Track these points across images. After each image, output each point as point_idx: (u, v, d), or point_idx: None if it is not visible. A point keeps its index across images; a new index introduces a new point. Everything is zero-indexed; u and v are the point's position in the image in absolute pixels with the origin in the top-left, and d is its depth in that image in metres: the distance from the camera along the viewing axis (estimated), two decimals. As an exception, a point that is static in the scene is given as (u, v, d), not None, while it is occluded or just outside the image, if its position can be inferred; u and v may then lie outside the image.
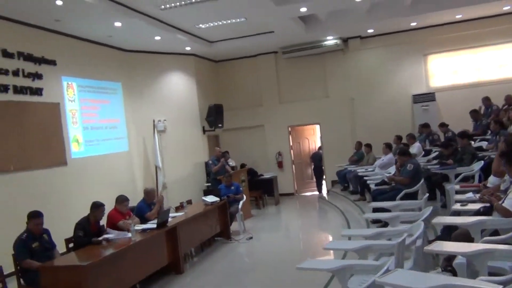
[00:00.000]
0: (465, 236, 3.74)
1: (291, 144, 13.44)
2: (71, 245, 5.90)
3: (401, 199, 6.69)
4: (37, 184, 7.82)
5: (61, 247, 5.87)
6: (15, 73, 7.67)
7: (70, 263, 4.94)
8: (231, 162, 12.52)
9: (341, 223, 8.65)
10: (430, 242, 4.05)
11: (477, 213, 4.21)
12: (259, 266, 6.95)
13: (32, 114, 7.93)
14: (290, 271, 4.29)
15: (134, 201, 7.66)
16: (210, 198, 8.26)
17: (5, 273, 4.97)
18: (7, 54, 7.54)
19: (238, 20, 9.76)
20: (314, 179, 13.49)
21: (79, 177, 8.89)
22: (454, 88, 11.89)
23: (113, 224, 6.23)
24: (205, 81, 12.75)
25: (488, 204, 4.09)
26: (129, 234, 5.78)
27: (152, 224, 6.40)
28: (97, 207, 5.98)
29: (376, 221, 6.89)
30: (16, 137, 7.55)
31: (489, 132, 8.80)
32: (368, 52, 12.58)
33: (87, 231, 5.85)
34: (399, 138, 10.83)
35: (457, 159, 7.30)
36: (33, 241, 5.12)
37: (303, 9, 9.34)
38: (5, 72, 7.48)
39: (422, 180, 7.02)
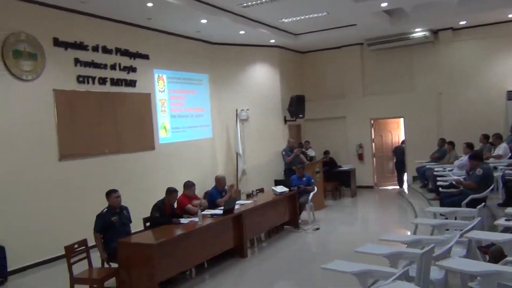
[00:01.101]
0: (500, 252, 3.72)
1: (373, 137, 13.32)
2: (148, 224, 6.67)
3: (468, 204, 6.52)
4: (127, 166, 8.83)
5: (140, 225, 6.69)
6: (113, 67, 8.67)
7: (143, 241, 5.66)
8: (311, 152, 12.82)
9: (409, 222, 8.54)
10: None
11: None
12: (320, 257, 7.20)
13: (126, 103, 8.92)
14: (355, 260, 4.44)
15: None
16: (280, 188, 8.65)
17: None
18: (106, 50, 8.55)
19: (320, 14, 9.91)
20: (395, 173, 13.26)
21: (166, 160, 9.80)
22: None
23: (182, 208, 6.88)
24: (289, 72, 13.06)
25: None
26: (197, 219, 6.40)
27: (219, 210, 6.98)
28: (170, 192, 6.66)
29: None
30: (112, 124, 8.58)
31: None
32: (461, 44, 11.94)
33: (162, 213, 6.58)
34: (485, 137, 10.28)
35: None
36: (113, 215, 5.90)
37: (384, 4, 9.19)
38: (104, 66, 8.49)
39: (492, 186, 6.74)
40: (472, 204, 6.47)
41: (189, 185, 7.18)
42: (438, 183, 8.31)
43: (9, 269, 6.57)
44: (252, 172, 11.85)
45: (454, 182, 7.33)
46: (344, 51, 13.30)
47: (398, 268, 3.90)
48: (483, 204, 5.75)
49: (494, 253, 3.76)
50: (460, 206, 6.60)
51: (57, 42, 7.65)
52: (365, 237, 8.09)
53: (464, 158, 9.31)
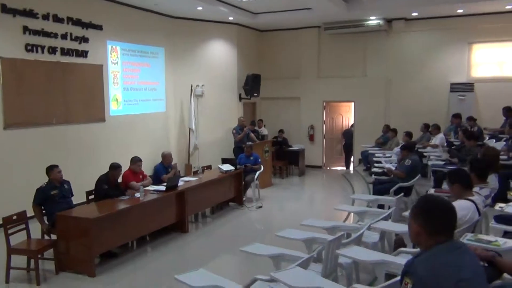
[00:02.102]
0: (402, 242, 4.15)
1: (324, 119, 13.76)
2: (91, 197, 6.83)
3: (396, 192, 7.02)
4: (75, 137, 8.85)
5: (82, 197, 6.85)
6: (64, 37, 8.55)
7: (81, 215, 5.83)
8: (264, 131, 13.13)
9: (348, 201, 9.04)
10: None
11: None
12: (257, 234, 7.63)
13: (76, 74, 8.85)
14: (279, 242, 4.78)
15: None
16: (226, 167, 8.94)
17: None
18: (57, 19, 8.42)
19: (278, -5, 10.04)
20: (343, 155, 13.81)
21: (116, 133, 9.85)
22: (495, 80, 11.53)
23: (126, 183, 7.06)
24: (246, 50, 13.19)
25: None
26: (139, 195, 6.61)
27: (163, 187, 7.20)
28: (115, 168, 6.79)
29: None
30: (60, 94, 8.54)
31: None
32: (412, 35, 12.40)
33: (110, 186, 6.74)
34: (426, 126, 10.89)
35: (461, 159, 7.43)
36: (52, 189, 6.02)
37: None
38: (55, 35, 8.37)
39: (418, 176, 7.26)
40: (400, 191, 6.98)
41: (135, 161, 7.33)
42: (373, 169, 8.81)
43: None
44: (204, 148, 12.07)
45: (385, 170, 7.83)
46: (302, 33, 13.52)
47: (312, 252, 4.28)
48: (402, 194, 6.22)
49: (397, 242, 4.20)
50: (388, 193, 7.10)
51: (4, 9, 7.49)
52: (304, 215, 8.49)
53: (402, 147, 9.88)
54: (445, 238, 2.04)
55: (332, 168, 13.93)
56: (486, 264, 2.48)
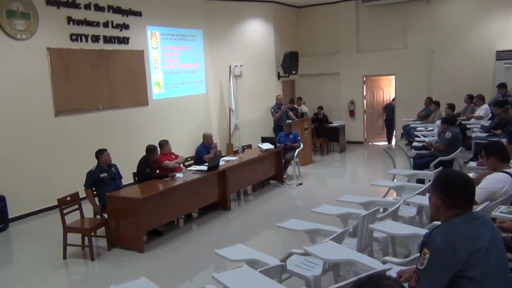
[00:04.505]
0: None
1: (364, 93, 13.58)
2: (137, 178, 7.18)
3: (436, 165, 6.94)
4: (121, 121, 9.26)
5: (131, 178, 7.23)
6: (105, 25, 8.89)
7: (129, 195, 6.17)
8: (303, 108, 13.14)
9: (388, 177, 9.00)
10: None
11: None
12: (296, 210, 7.76)
13: (119, 61, 9.20)
14: (318, 218, 5.00)
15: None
16: (265, 146, 9.08)
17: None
18: (98, 8, 8.74)
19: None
20: (385, 130, 13.63)
21: (159, 116, 10.19)
22: (545, 47, 10.98)
23: (160, 167, 7.31)
24: (283, 27, 13.13)
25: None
26: (182, 175, 6.89)
27: (205, 167, 7.45)
28: (152, 150, 7.07)
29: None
30: (105, 81, 8.93)
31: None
32: (454, 3, 11.92)
33: (150, 168, 7.07)
34: (470, 97, 10.57)
35: (506, 130, 7.21)
36: (102, 172, 6.39)
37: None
38: (97, 24, 8.71)
39: (460, 149, 7.12)
40: (441, 165, 6.90)
41: (162, 144, 7.55)
42: (414, 143, 8.69)
43: (10, 216, 7.19)
44: (245, 128, 12.26)
45: (425, 144, 7.72)
46: (339, 7, 13.30)
47: (348, 227, 4.39)
48: (440, 168, 6.15)
49: (433, 216, 4.21)
50: (429, 167, 7.03)
51: (49, 1, 7.87)
52: (345, 192, 8.55)
53: (445, 119, 9.66)
54: (463, 210, 2.10)
55: (373, 143, 13.80)
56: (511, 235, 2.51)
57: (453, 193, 2.11)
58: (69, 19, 8.22)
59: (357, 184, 9.84)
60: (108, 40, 8.95)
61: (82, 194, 6.25)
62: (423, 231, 3.73)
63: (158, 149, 7.28)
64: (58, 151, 8.05)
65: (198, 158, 8.11)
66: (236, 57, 12.13)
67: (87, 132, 8.53)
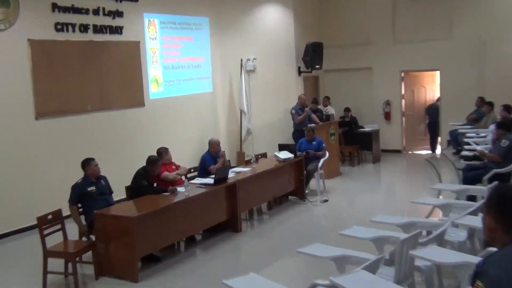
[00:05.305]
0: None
1: (403, 92, 13.48)
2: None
3: (491, 179, 6.82)
4: (112, 125, 9.34)
5: (121, 194, 7.24)
6: (96, 12, 9.02)
7: (121, 213, 6.18)
8: (330, 110, 13.07)
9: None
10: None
11: None
12: (320, 232, 7.69)
13: (111, 53, 9.31)
14: (346, 242, 4.99)
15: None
16: (283, 154, 9.04)
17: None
18: (87, -7, 8.87)
19: None
20: (428, 136, 13.51)
21: (157, 119, 10.26)
22: None
23: (158, 178, 7.31)
24: (305, 14, 13.11)
25: None
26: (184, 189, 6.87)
27: (211, 179, 7.43)
28: (153, 162, 7.09)
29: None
30: (95, 78, 9.03)
31: None
32: (512, -17, 11.82)
33: (148, 182, 7.07)
34: (531, 97, 10.40)
35: None
36: (89, 186, 6.41)
37: None
38: (86, 11, 8.84)
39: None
40: (496, 179, 6.77)
41: (161, 152, 7.60)
42: (463, 152, 8.58)
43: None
44: (259, 133, 12.24)
45: (477, 153, 7.61)
46: (372, -10, 13.28)
47: (384, 253, 4.32)
48: (495, 182, 6.04)
49: (486, 241, 4.11)
50: (481, 182, 6.92)
51: (31, -15, 7.99)
52: (379, 211, 8.51)
53: (500, 123, 9.52)
54: (524, 234, 2.03)
55: (414, 152, 13.68)
56: None
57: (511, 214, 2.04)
58: (54, 6, 8.35)
59: (395, 202, 9.71)
60: (98, 29, 9.05)
61: (66, 211, 6.28)
62: (476, 259, 3.64)
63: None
64: (39, 160, 8.12)
65: (203, 169, 8.11)
66: (248, 49, 12.16)
67: (73, 138, 8.60)
